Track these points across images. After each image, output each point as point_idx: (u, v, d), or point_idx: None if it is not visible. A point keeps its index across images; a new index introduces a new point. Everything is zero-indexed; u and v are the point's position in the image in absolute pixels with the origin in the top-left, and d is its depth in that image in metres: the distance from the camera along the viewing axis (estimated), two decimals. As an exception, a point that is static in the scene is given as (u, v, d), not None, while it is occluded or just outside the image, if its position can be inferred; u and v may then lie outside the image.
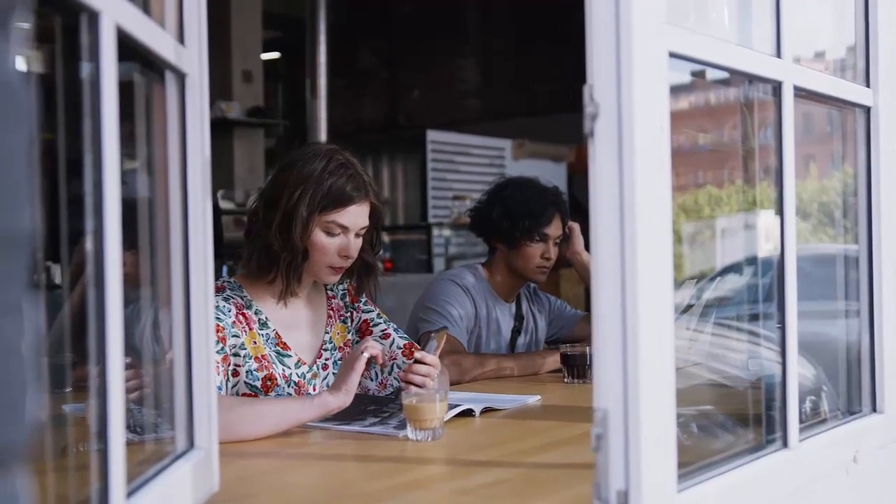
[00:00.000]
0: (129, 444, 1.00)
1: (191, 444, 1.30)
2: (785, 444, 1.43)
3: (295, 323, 2.15)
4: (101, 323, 0.95)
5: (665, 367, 1.14)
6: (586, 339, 2.83)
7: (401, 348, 2.23)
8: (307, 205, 2.01)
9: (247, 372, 2.02)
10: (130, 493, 1.03)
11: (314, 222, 2.04)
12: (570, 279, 5.78)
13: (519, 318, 3.01)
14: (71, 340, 1.74)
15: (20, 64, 0.56)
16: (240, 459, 1.63)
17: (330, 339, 2.20)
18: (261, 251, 2.07)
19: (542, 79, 8.62)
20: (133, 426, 1.21)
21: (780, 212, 1.44)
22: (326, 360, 2.19)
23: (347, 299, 2.27)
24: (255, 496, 1.44)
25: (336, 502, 1.42)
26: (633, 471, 1.10)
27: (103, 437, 0.95)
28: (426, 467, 1.62)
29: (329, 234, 2.06)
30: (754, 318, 1.81)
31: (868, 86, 1.71)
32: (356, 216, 2.07)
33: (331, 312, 2.23)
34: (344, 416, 1.97)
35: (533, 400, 2.24)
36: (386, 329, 2.26)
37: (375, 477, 1.55)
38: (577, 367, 2.53)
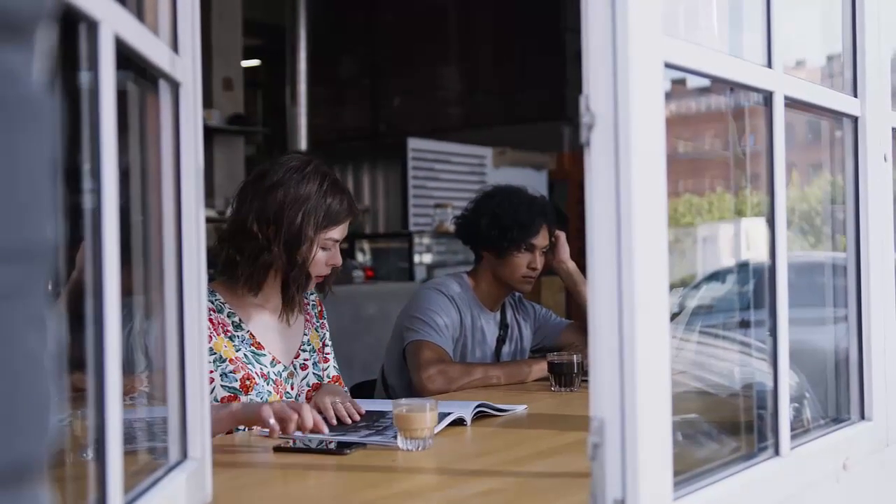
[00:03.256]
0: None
1: (184, 454, 1.29)
2: (777, 452, 1.44)
3: (271, 325, 2.21)
4: (98, 334, 0.94)
5: (662, 376, 1.14)
6: (571, 347, 2.84)
7: (330, 378, 2.34)
8: (312, 226, 2.11)
9: (222, 375, 2.07)
10: (127, 505, 1.02)
11: (317, 241, 2.13)
12: (551, 287, 5.77)
13: (504, 326, 3.00)
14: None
15: (43, 76, 0.55)
16: (233, 470, 1.62)
17: (308, 340, 2.28)
18: (262, 268, 2.11)
19: (523, 87, 8.65)
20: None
21: (771, 220, 1.45)
22: (305, 360, 2.26)
23: (316, 312, 2.36)
24: (247, 507, 1.43)
25: (329, 512, 1.42)
26: (629, 479, 1.10)
27: (101, 448, 0.94)
28: (419, 477, 1.62)
29: (324, 248, 2.16)
30: (740, 325, 1.81)
31: (855, 96, 1.72)
32: (346, 229, 2.20)
33: (307, 317, 2.31)
34: (338, 428, 1.96)
35: (520, 409, 2.24)
36: (328, 354, 2.37)
37: (368, 487, 1.54)
38: (565, 376, 2.54)
